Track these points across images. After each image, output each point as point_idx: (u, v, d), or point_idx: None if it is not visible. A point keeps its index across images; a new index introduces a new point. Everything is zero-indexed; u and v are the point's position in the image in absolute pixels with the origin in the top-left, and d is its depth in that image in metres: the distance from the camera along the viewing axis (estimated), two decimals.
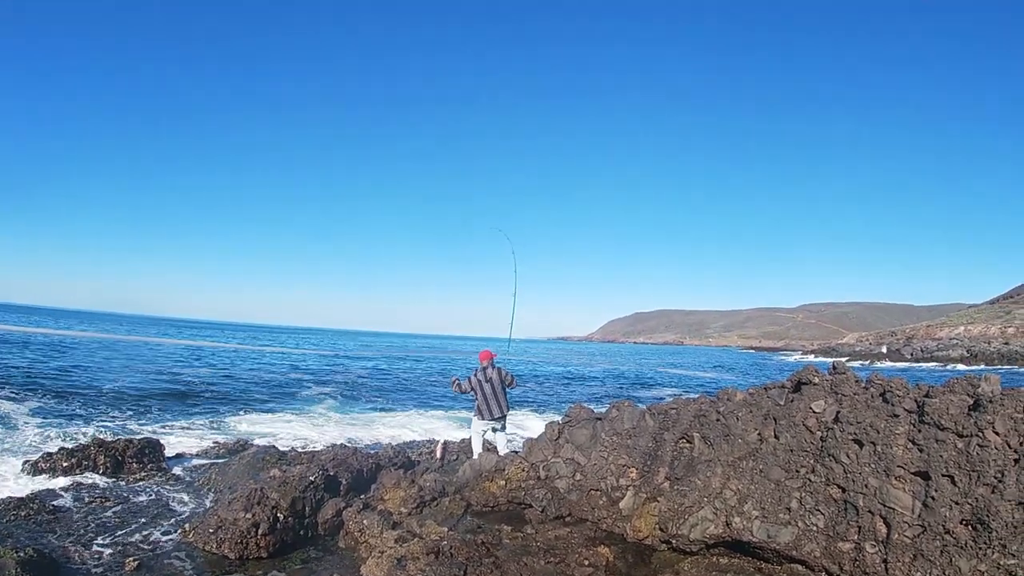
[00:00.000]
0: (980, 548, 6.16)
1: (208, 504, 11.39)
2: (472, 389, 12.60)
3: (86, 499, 11.23)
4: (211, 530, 9.00)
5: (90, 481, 12.49)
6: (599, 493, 9.13)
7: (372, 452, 13.16)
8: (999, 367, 72.61)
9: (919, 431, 6.68)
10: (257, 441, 16.33)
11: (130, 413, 21.57)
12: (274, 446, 13.85)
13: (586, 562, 7.59)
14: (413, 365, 64.58)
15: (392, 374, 51.19)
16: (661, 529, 8.16)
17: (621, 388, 47.51)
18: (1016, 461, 6.12)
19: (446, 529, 8.64)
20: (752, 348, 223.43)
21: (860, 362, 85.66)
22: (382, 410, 28.35)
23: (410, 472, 11.74)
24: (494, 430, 12.74)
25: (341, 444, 13.04)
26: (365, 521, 9.47)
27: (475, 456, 11.86)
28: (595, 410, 10.48)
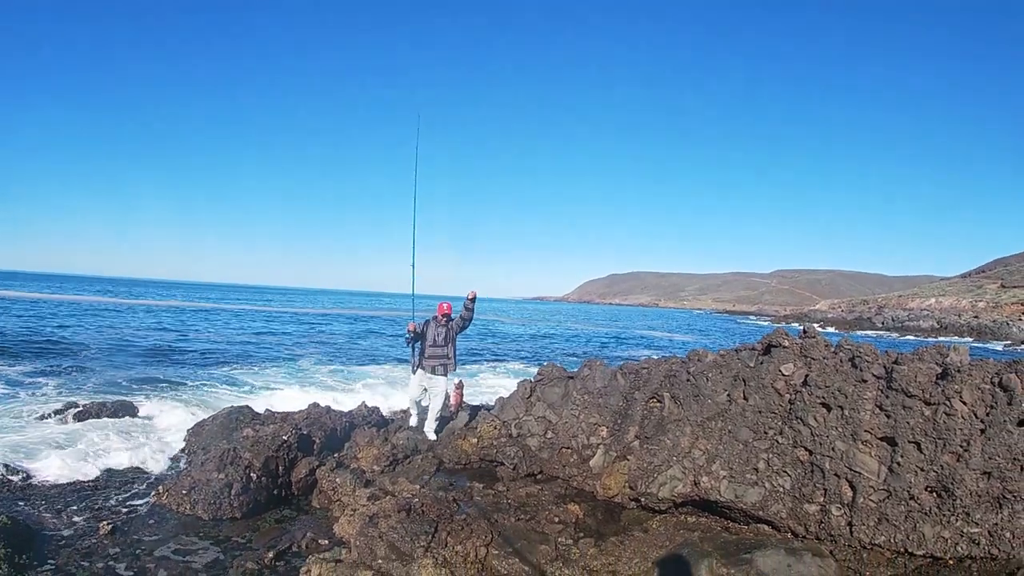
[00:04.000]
0: (944, 515, 6.30)
1: (182, 466, 11.32)
2: (414, 335, 11.67)
3: None
4: (184, 491, 8.95)
5: None
6: (570, 451, 9.25)
7: (346, 411, 13.01)
8: (968, 340, 73.29)
9: (887, 397, 6.78)
10: (231, 402, 16.14)
11: (102, 377, 21.19)
12: (248, 406, 13.62)
13: (556, 519, 7.68)
14: (385, 323, 64.38)
15: (366, 332, 51.06)
16: (631, 487, 8.27)
17: (595, 348, 47.68)
18: (982, 431, 6.24)
19: (418, 487, 8.70)
20: (726, 312, 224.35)
21: (832, 329, 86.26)
22: (359, 367, 28.26)
23: (383, 430, 11.70)
24: (425, 390, 11.85)
25: (314, 403, 12.83)
26: (338, 480, 9.49)
27: (410, 418, 12.31)
28: (568, 369, 10.54)
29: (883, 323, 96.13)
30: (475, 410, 12.42)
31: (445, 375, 11.67)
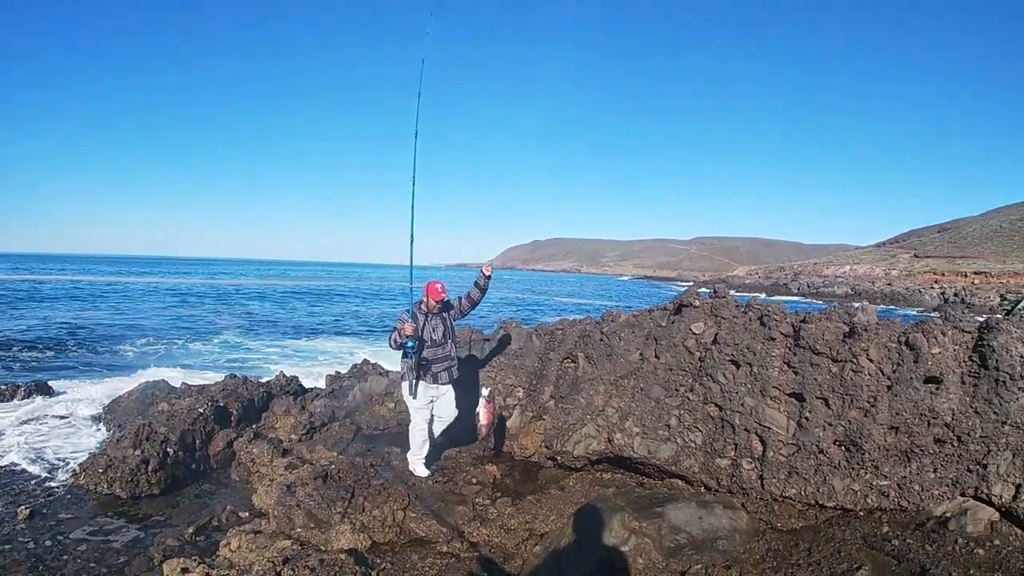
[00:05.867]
0: (853, 468, 6.51)
1: (98, 444, 11.07)
2: (415, 337, 8.12)
3: None
4: (101, 470, 8.72)
5: None
6: None
7: (264, 380, 12.85)
8: (881, 306, 75.88)
9: (795, 355, 6.94)
10: (148, 376, 15.86)
11: (14, 357, 20.66)
12: (164, 380, 13.36)
13: (474, 480, 7.74)
14: (314, 294, 63.76)
15: (291, 304, 50.46)
16: (547, 447, 8.37)
17: (515, 312, 48.01)
18: (889, 387, 6.43)
19: (336, 453, 8.65)
20: (647, 277, 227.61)
21: (750, 294, 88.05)
22: (281, 339, 28.01)
23: (300, 399, 11.59)
24: (431, 400, 8.49)
25: (231, 374, 12.64)
26: (255, 450, 9.40)
27: (415, 449, 8.39)
28: (485, 332, 10.57)
29: (799, 289, 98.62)
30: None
31: (451, 382, 8.55)
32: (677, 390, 7.54)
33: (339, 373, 13.99)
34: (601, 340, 8.43)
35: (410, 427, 8.43)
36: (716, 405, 7.24)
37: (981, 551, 5.54)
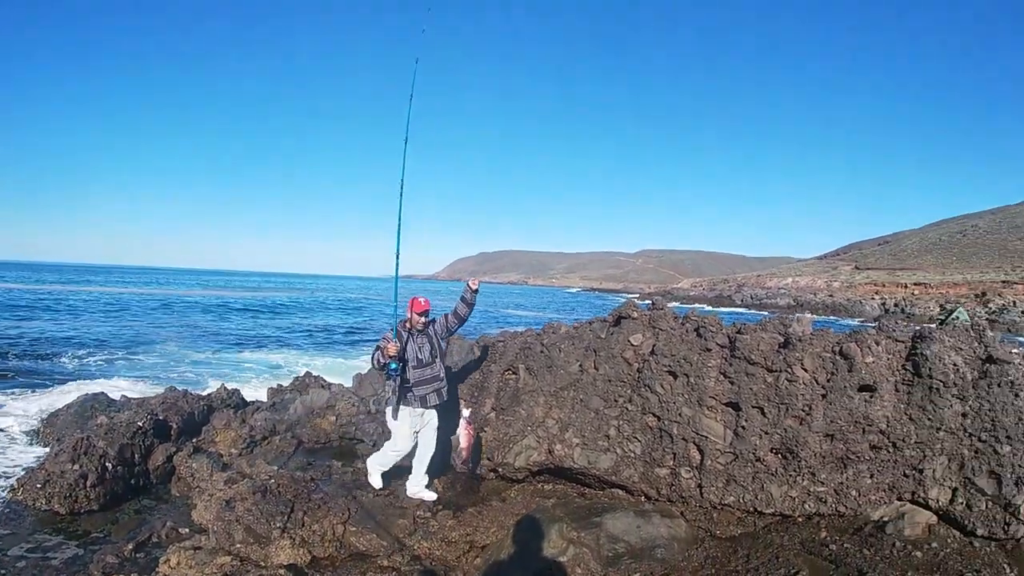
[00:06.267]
0: (790, 475, 6.65)
1: (36, 459, 10.82)
2: (398, 358, 7.60)
3: None
4: (39, 485, 8.49)
5: None
6: None
7: (204, 394, 12.65)
8: (823, 317, 77.42)
9: (731, 365, 7.07)
10: (87, 389, 15.47)
11: None
12: (103, 392, 13.09)
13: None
14: (260, 306, 62.92)
15: (236, 315, 49.76)
16: (488, 459, 8.37)
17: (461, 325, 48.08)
18: (823, 396, 6.59)
19: (276, 468, 8.56)
20: (594, 289, 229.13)
21: (695, 305, 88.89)
22: (224, 351, 27.65)
23: (241, 412, 11.44)
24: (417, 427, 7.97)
25: (171, 387, 12.43)
26: (195, 465, 9.27)
27: (380, 458, 8.06)
28: None
29: (743, 301, 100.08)
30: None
31: (440, 403, 8.01)
32: (616, 401, 7.61)
33: (281, 386, 13.79)
34: (542, 352, 8.47)
35: (388, 443, 8.02)
36: (654, 415, 7.32)
37: (919, 554, 5.70)
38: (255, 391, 15.85)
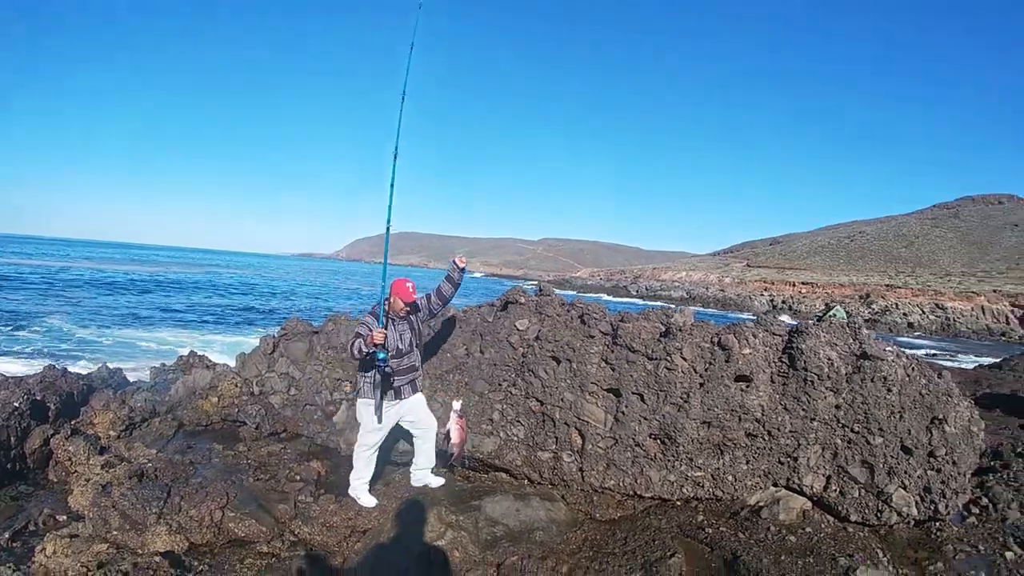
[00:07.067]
0: (668, 460, 6.85)
1: None
2: (386, 347, 6.83)
3: None
4: None
5: None
6: (314, 408, 9.18)
7: (85, 373, 12.15)
8: (714, 310, 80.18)
9: (612, 352, 7.20)
10: None
11: None
12: None
13: (297, 477, 7.61)
14: (150, 281, 60.99)
15: (124, 291, 48.08)
16: None
17: (356, 304, 47.54)
18: (701, 384, 6.80)
19: (155, 451, 8.36)
20: (494, 275, 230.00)
21: (593, 295, 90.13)
22: (113, 328, 26.79)
23: (121, 392, 11.07)
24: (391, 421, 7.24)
25: (50, 365, 11.90)
26: (71, 448, 8.91)
27: (359, 470, 7.31)
28: (314, 324, 10.42)
29: (638, 291, 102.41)
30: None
31: (417, 392, 7.41)
32: (500, 385, 7.67)
33: (164, 365, 13.33)
34: (429, 335, 8.47)
35: (356, 448, 7.30)
36: (538, 400, 7.41)
37: (793, 538, 5.97)
38: (140, 371, 15.32)
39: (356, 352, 6.81)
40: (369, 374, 6.92)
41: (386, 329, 6.84)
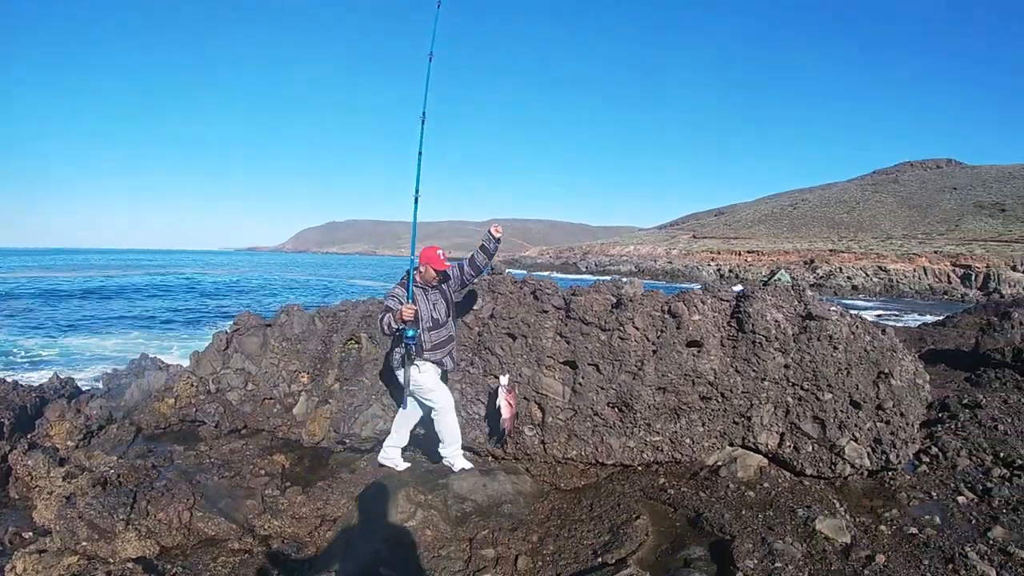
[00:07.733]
0: (627, 427, 7.02)
1: None
2: (415, 323, 6.71)
3: None
4: None
5: None
6: (272, 401, 9.16)
7: (36, 384, 11.99)
8: (662, 282, 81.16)
9: (566, 325, 7.34)
10: None
11: None
12: None
13: (262, 471, 7.60)
14: (93, 286, 59.65)
15: (67, 298, 46.97)
16: (335, 430, 8.42)
17: (305, 296, 47.26)
18: (654, 352, 6.97)
19: (115, 457, 8.28)
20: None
21: (544, 272, 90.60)
22: (59, 336, 26.35)
23: (75, 401, 10.93)
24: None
25: (0, 379, 11.69)
26: (30, 462, 8.79)
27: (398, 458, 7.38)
28: (266, 318, 10.38)
29: (587, 267, 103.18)
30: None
31: (454, 368, 7.44)
32: (458, 364, 7.74)
33: (116, 370, 13.14)
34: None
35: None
36: (496, 377, 7.50)
37: (752, 493, 6.20)
38: (93, 379, 15.14)
39: (386, 327, 6.71)
40: (398, 349, 6.88)
41: (416, 301, 6.74)
